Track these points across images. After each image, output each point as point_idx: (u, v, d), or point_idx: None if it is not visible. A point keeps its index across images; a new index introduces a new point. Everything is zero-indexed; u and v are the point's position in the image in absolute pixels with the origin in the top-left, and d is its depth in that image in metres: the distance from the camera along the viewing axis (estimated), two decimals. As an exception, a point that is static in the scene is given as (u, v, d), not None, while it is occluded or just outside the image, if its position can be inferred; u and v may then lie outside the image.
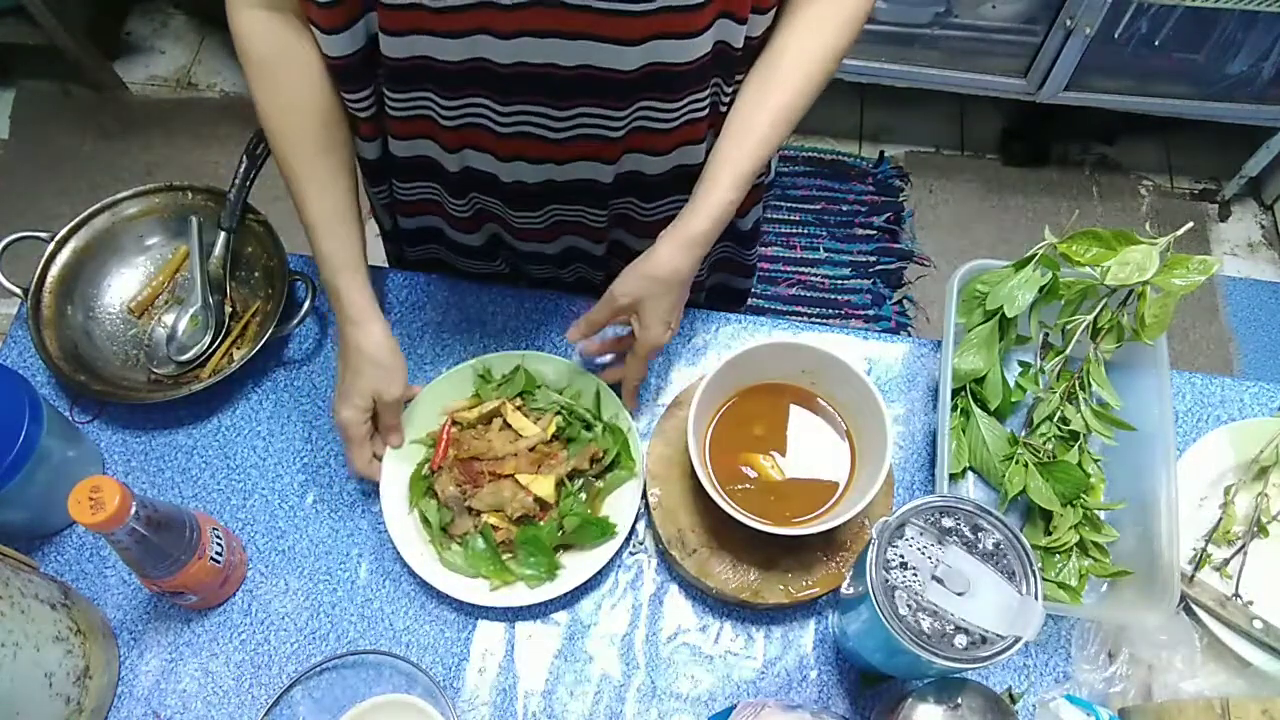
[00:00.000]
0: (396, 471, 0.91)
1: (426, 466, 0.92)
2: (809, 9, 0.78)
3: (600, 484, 0.91)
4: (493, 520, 0.88)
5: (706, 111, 0.83)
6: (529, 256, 1.05)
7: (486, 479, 0.89)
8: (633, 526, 0.90)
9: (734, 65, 0.80)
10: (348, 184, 0.86)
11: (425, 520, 0.89)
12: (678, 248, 0.83)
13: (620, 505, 0.90)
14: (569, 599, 0.89)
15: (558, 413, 0.92)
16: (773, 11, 0.78)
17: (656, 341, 0.87)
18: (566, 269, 1.08)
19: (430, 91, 0.80)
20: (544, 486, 0.88)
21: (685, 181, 0.86)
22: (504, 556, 0.88)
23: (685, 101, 0.81)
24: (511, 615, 0.89)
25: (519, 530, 0.88)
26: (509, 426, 0.92)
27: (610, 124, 0.82)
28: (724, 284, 1.18)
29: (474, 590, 0.87)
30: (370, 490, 0.93)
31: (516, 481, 0.88)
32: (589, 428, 0.92)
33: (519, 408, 0.93)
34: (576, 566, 0.87)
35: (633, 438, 0.91)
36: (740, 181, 0.82)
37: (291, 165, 0.83)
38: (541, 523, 0.88)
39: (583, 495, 0.91)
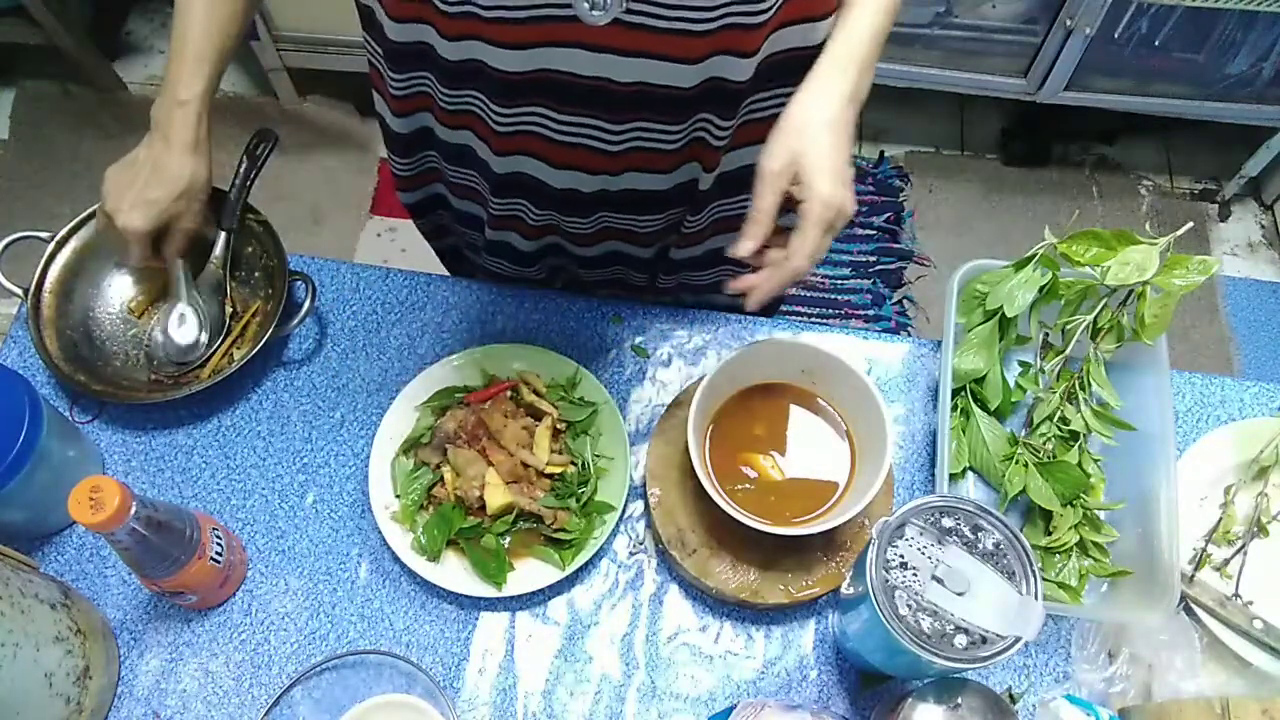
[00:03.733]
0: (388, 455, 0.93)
1: (430, 431, 0.93)
2: None
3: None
4: (449, 479, 0.89)
5: (769, 113, 0.81)
6: (572, 259, 1.03)
7: (478, 446, 0.90)
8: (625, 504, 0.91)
9: (803, 67, 0.76)
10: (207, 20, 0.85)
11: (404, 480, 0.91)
12: (815, 81, 0.72)
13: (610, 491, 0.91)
14: (569, 597, 0.90)
15: (572, 462, 0.91)
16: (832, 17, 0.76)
17: (829, 197, 0.69)
18: (602, 270, 1.06)
19: (484, 96, 0.80)
20: (499, 497, 0.87)
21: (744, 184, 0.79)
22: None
23: (743, 111, 0.80)
24: (514, 609, 0.89)
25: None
26: (531, 439, 0.92)
27: (666, 138, 0.81)
28: None
29: (474, 584, 0.87)
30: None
31: (490, 484, 0.88)
32: (577, 499, 0.90)
33: (558, 430, 0.93)
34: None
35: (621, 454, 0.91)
36: (873, 14, 0.73)
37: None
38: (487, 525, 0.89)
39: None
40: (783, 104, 0.76)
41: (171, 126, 0.86)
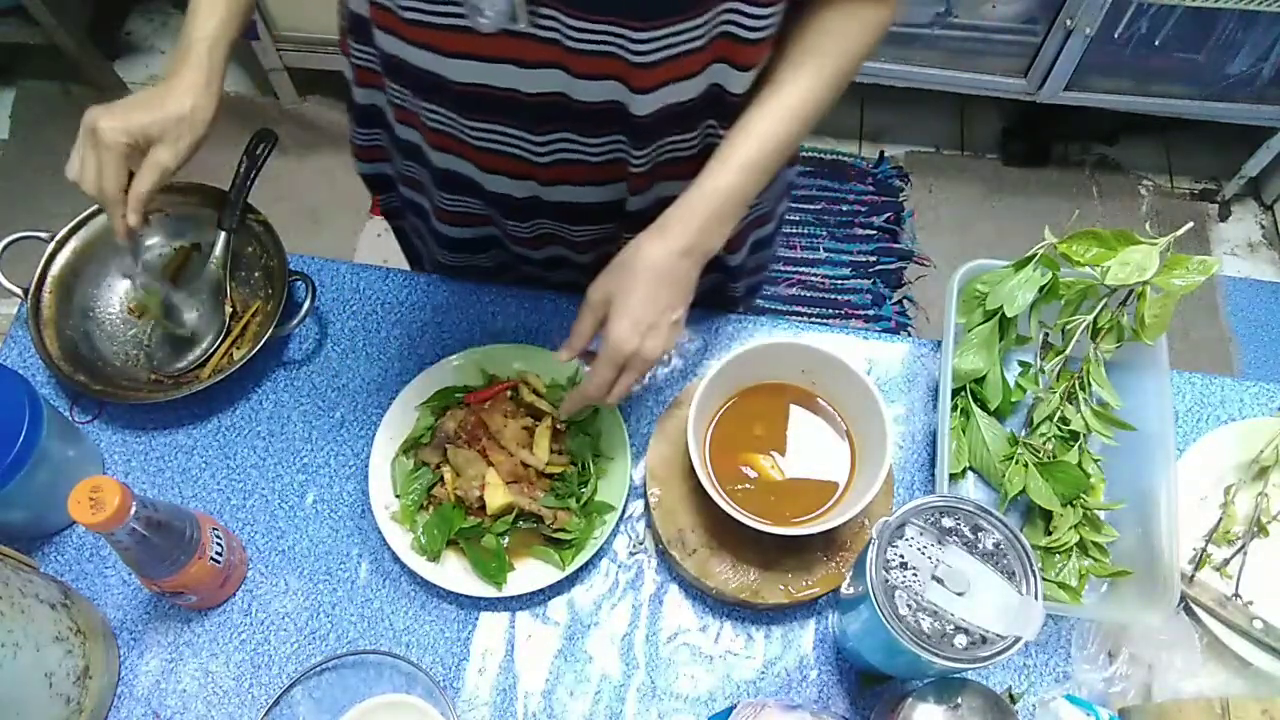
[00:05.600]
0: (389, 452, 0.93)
1: (430, 431, 0.93)
2: (827, 15, 0.73)
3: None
4: (449, 479, 0.89)
5: (695, 151, 0.80)
6: (519, 258, 1.04)
7: (478, 446, 0.90)
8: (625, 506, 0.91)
9: (732, 110, 0.75)
10: None
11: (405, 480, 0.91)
12: (649, 235, 0.75)
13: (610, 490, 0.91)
14: (569, 597, 0.90)
15: (572, 462, 0.91)
16: (756, 70, 0.74)
17: (620, 342, 0.74)
18: (553, 273, 1.06)
19: (408, 91, 0.80)
20: (499, 497, 0.87)
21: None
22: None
23: (661, 143, 0.79)
24: (514, 609, 0.89)
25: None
26: (531, 439, 0.92)
27: (588, 150, 0.80)
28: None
29: (474, 584, 0.87)
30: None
31: (491, 484, 0.88)
32: (577, 499, 0.89)
33: (558, 430, 0.92)
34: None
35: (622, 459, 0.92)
36: (738, 172, 0.74)
37: None
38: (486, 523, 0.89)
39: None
40: (711, 143, 0.77)
41: (178, 65, 0.81)
